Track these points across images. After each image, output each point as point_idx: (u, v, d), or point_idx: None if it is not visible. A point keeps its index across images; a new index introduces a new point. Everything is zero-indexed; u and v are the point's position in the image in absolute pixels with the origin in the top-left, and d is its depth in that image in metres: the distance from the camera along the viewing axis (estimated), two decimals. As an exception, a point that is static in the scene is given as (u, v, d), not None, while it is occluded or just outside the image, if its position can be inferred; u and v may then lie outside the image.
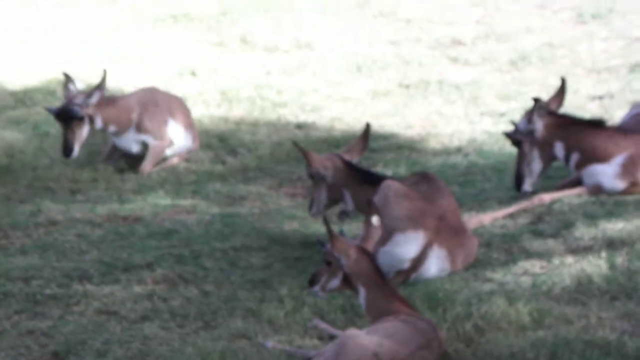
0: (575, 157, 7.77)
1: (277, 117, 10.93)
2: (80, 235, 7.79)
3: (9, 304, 6.63)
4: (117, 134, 9.33)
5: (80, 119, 9.01)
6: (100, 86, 9.12)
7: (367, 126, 7.54)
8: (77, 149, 9.06)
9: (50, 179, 9.16)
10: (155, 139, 9.40)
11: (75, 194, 8.93)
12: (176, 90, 11.80)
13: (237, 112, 11.18)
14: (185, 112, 9.84)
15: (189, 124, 9.80)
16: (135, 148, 9.40)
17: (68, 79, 9.24)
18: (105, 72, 9.11)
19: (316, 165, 7.32)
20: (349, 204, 7.39)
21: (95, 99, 9.05)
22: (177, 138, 9.57)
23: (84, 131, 9.08)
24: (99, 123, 9.19)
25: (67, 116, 9.04)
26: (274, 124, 10.73)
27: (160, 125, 9.45)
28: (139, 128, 9.37)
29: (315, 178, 7.41)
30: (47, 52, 13.98)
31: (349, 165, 7.34)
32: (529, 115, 7.85)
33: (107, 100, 9.38)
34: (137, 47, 14.20)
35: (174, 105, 9.72)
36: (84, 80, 12.02)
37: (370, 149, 8.50)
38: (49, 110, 9.31)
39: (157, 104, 9.53)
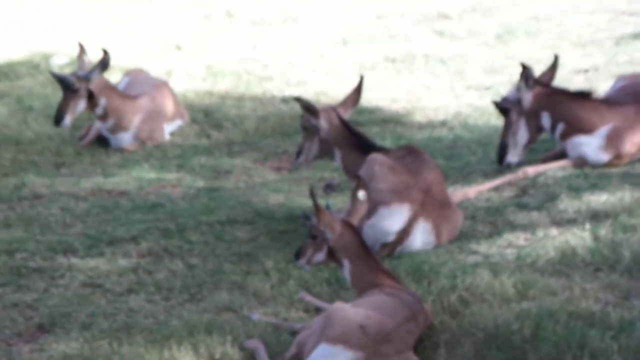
0: (560, 127, 7.80)
1: (263, 92, 10.92)
2: (65, 209, 7.76)
3: (-7, 277, 6.62)
4: (114, 130, 9.25)
5: (75, 91, 8.92)
6: (103, 62, 8.93)
7: (361, 78, 7.52)
8: (68, 120, 8.97)
9: (34, 153, 9.13)
10: (151, 141, 9.37)
11: (59, 168, 8.90)
12: (161, 64, 11.77)
13: (222, 86, 11.16)
14: (174, 99, 9.79)
15: (178, 112, 9.76)
16: (124, 144, 9.33)
17: (82, 50, 9.09)
18: (106, 52, 8.96)
19: (317, 117, 7.27)
20: (337, 162, 7.40)
21: (94, 76, 8.93)
22: (167, 134, 9.56)
23: (79, 104, 8.99)
24: (100, 110, 9.11)
25: (63, 85, 8.96)
26: (259, 98, 10.71)
27: (157, 133, 9.41)
28: (137, 135, 9.31)
29: (309, 130, 7.38)
30: (30, 26, 13.92)
31: (345, 125, 7.32)
32: (518, 84, 7.86)
33: (117, 91, 9.31)
34: (122, 21, 14.15)
35: (167, 102, 9.64)
36: (68, 54, 12.00)
37: (356, 123, 8.49)
38: (53, 74, 9.20)
39: (159, 112, 9.46)
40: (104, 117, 9.15)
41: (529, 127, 7.86)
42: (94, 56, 10.23)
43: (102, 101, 9.07)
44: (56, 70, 11.63)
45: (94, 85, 8.96)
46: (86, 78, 8.92)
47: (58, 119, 8.93)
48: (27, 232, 7.30)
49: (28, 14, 14.64)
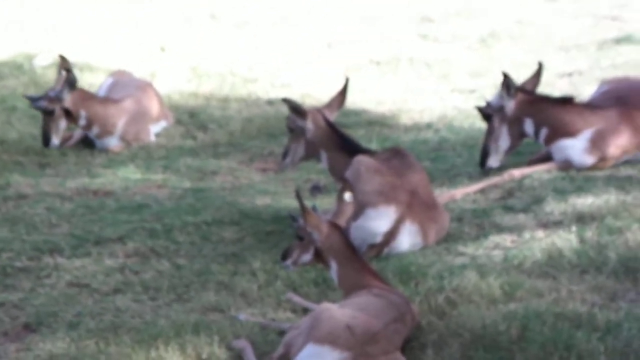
0: (544, 132, 7.84)
1: (248, 93, 10.91)
2: (50, 209, 7.73)
3: (-21, 277, 6.58)
4: (99, 136, 9.24)
5: (51, 113, 8.92)
6: (68, 81, 8.91)
7: (346, 81, 7.53)
8: (55, 140, 9.01)
9: (18, 153, 9.08)
10: (137, 142, 9.36)
11: (44, 168, 8.86)
12: (145, 66, 11.75)
13: (207, 87, 11.15)
14: (159, 100, 9.78)
15: (163, 113, 9.76)
16: (110, 146, 9.31)
17: (64, 62, 9.04)
18: (68, 70, 8.92)
19: (304, 118, 7.28)
20: (323, 164, 7.41)
21: (64, 95, 8.92)
22: (152, 135, 9.55)
23: (59, 124, 9.01)
24: (82, 121, 9.11)
25: (37, 109, 8.99)
26: (244, 99, 10.71)
27: (143, 134, 9.40)
28: (123, 137, 9.31)
29: (295, 131, 7.39)
30: (14, 26, 13.86)
31: (331, 126, 7.33)
32: (500, 92, 7.90)
33: (96, 99, 9.30)
34: (106, 23, 14.11)
35: (152, 103, 9.63)
36: (51, 53, 11.95)
37: (342, 125, 8.49)
38: (27, 97, 9.18)
39: (144, 113, 9.45)
40: (88, 126, 9.17)
41: (511, 134, 7.91)
42: (77, 58, 10.24)
43: (82, 113, 9.08)
44: (39, 71, 11.59)
45: (68, 103, 8.97)
46: (58, 98, 8.93)
47: (46, 142, 8.99)
48: (13, 232, 7.25)
49: (10, 14, 14.58)
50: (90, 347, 5.53)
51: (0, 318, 6.02)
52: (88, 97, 9.19)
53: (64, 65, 9.00)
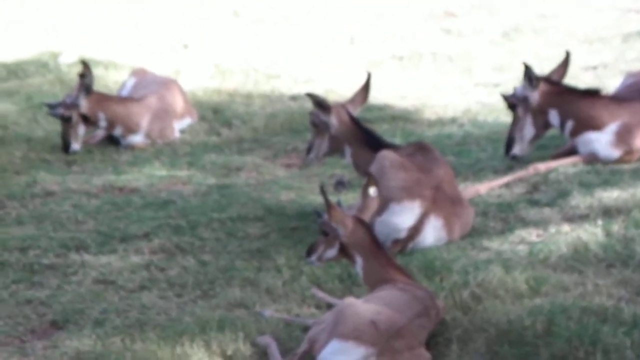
0: (570, 124, 7.81)
1: (271, 89, 10.93)
2: (77, 206, 7.78)
3: (6, 274, 6.62)
4: (124, 135, 9.30)
5: (69, 120, 8.98)
6: (83, 86, 8.98)
7: (369, 76, 7.53)
8: (75, 146, 9.08)
9: (45, 151, 9.14)
10: (162, 139, 9.39)
11: (70, 165, 8.91)
12: (169, 63, 11.79)
13: (231, 84, 11.17)
14: (183, 97, 9.81)
15: (187, 110, 9.79)
16: (135, 143, 9.36)
17: (86, 68, 9.08)
18: (83, 75, 8.98)
19: (328, 113, 7.28)
20: (347, 159, 7.41)
21: (81, 101, 8.98)
22: (177, 131, 9.58)
23: (78, 130, 9.07)
24: (102, 123, 9.17)
25: (56, 117, 9.06)
26: (267, 95, 10.73)
27: (168, 131, 9.44)
28: (148, 135, 9.36)
29: (319, 127, 7.39)
30: (38, 25, 13.94)
31: (355, 122, 7.33)
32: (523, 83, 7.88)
33: (114, 100, 9.35)
34: (129, 20, 14.16)
35: (177, 100, 9.66)
36: (76, 51, 12.02)
37: (366, 120, 8.50)
38: (46, 105, 9.27)
39: (168, 110, 9.49)
40: (110, 127, 9.23)
41: (536, 124, 7.89)
42: (102, 55, 10.29)
43: (101, 115, 9.13)
44: (64, 68, 11.65)
45: (84, 108, 9.02)
46: (74, 104, 8.99)
47: (65, 148, 9.08)
48: (40, 229, 7.31)
49: (35, 13, 14.66)
50: (116, 344, 5.56)
51: (28, 315, 6.06)
52: (105, 99, 9.24)
53: (84, 70, 9.04)
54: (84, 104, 9.02)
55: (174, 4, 15.00)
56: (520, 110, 7.87)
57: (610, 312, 5.44)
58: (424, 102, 10.21)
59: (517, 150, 7.93)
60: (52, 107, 9.08)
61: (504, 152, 8.00)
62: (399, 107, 10.11)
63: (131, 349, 5.50)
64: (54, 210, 7.68)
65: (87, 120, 9.07)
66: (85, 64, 9.08)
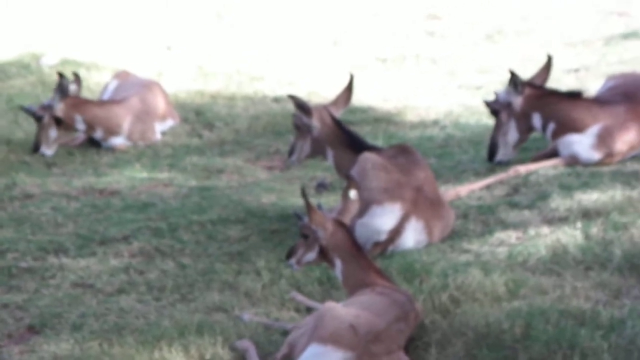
0: (551, 126, 7.82)
1: (254, 91, 10.91)
2: (56, 209, 7.74)
3: (-17, 278, 6.58)
4: (105, 138, 9.26)
5: (40, 119, 8.96)
6: (60, 89, 8.96)
7: (351, 77, 7.53)
8: (44, 148, 9.04)
9: (25, 153, 9.10)
10: (143, 141, 9.37)
11: (50, 168, 8.87)
12: (152, 65, 11.76)
13: (214, 86, 11.15)
14: (165, 99, 9.79)
15: (169, 112, 9.77)
16: (117, 145, 9.33)
17: (77, 79, 9.12)
18: (61, 76, 8.99)
19: (310, 115, 7.27)
20: (329, 161, 7.40)
21: (55, 103, 8.96)
22: (158, 133, 9.56)
23: (49, 132, 9.03)
24: (80, 125, 9.13)
25: (30, 115, 9.07)
26: (250, 97, 10.71)
27: (149, 133, 9.42)
28: (129, 137, 9.33)
29: (302, 129, 7.38)
30: (20, 26, 13.89)
31: (337, 124, 7.32)
32: (507, 89, 7.89)
33: (92, 103, 9.32)
34: (112, 22, 14.12)
35: (158, 101, 9.64)
36: (58, 53, 11.97)
37: (348, 122, 8.49)
38: (21, 107, 9.31)
39: (149, 112, 9.47)
40: (90, 129, 9.20)
41: (519, 128, 7.90)
42: (84, 57, 10.26)
43: (78, 118, 9.10)
44: (46, 70, 11.61)
45: (59, 111, 8.99)
46: (48, 106, 9.00)
47: (35, 148, 9.07)
48: (18, 232, 7.27)
49: (16, 14, 14.60)
50: (94, 348, 5.53)
51: (5, 320, 6.02)
52: (82, 102, 9.21)
53: (74, 77, 9.03)
54: (59, 107, 8.99)
55: (157, 6, 14.97)
56: (503, 116, 7.88)
57: (588, 315, 5.45)
58: (406, 104, 10.21)
59: (501, 155, 7.94)
60: (28, 106, 9.08)
61: (488, 158, 7.99)
62: (381, 109, 10.11)
63: (109, 353, 5.47)
64: (33, 213, 7.64)
65: (60, 123, 9.03)
66: (76, 75, 9.08)
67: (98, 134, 9.24)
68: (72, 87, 9.05)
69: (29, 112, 9.04)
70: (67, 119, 9.05)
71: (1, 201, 7.95)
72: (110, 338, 5.63)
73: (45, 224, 7.42)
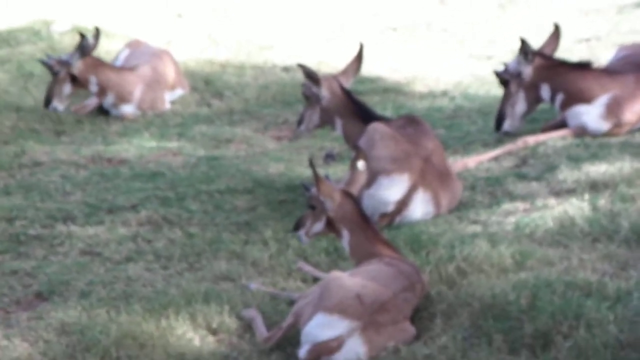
0: (560, 97, 7.78)
1: (264, 60, 10.88)
2: (65, 177, 7.76)
3: (-8, 244, 6.62)
4: (116, 104, 9.26)
5: (56, 74, 8.95)
6: (81, 48, 8.96)
7: (361, 47, 7.50)
8: (55, 103, 9.05)
9: (34, 120, 9.11)
10: (153, 110, 9.37)
11: (59, 136, 8.89)
12: (162, 33, 11.74)
13: (223, 55, 11.12)
14: (175, 68, 9.77)
15: (179, 81, 9.76)
16: (127, 113, 9.33)
17: (81, 35, 9.07)
18: (83, 36, 8.98)
19: (319, 85, 7.25)
20: (338, 131, 7.39)
21: (74, 60, 8.95)
22: (168, 102, 9.55)
23: (63, 87, 9.04)
24: (93, 87, 9.13)
25: (46, 68, 9.05)
26: (260, 67, 10.69)
27: (159, 102, 9.41)
28: (140, 105, 9.32)
29: (311, 98, 7.37)
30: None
31: (346, 94, 7.30)
32: (518, 58, 7.84)
33: (108, 66, 9.31)
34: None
35: (169, 70, 9.63)
36: (68, 20, 11.95)
37: (357, 92, 8.47)
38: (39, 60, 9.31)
39: (160, 81, 9.46)
40: (101, 93, 9.19)
41: (528, 99, 7.87)
42: (94, 24, 10.17)
43: (93, 79, 9.09)
44: (57, 37, 11.60)
45: (76, 69, 8.99)
46: (66, 62, 8.99)
47: (46, 102, 9.07)
48: (27, 199, 7.30)
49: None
50: (101, 315, 5.56)
51: (13, 286, 6.06)
52: (100, 64, 9.20)
53: (93, 35, 9.02)
54: (77, 65, 8.99)
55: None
56: (513, 86, 7.84)
57: (595, 286, 5.44)
58: (416, 74, 10.17)
59: (508, 126, 7.92)
60: (47, 58, 9.08)
61: (495, 128, 7.98)
62: (391, 79, 10.07)
63: (116, 320, 5.50)
64: (41, 181, 7.67)
65: (75, 81, 9.03)
66: (97, 30, 9.05)
67: (109, 100, 9.23)
68: (91, 41, 9.03)
69: (46, 65, 9.03)
70: (82, 78, 9.06)
71: (10, 169, 7.98)
72: (117, 306, 5.66)
73: (54, 192, 7.45)
